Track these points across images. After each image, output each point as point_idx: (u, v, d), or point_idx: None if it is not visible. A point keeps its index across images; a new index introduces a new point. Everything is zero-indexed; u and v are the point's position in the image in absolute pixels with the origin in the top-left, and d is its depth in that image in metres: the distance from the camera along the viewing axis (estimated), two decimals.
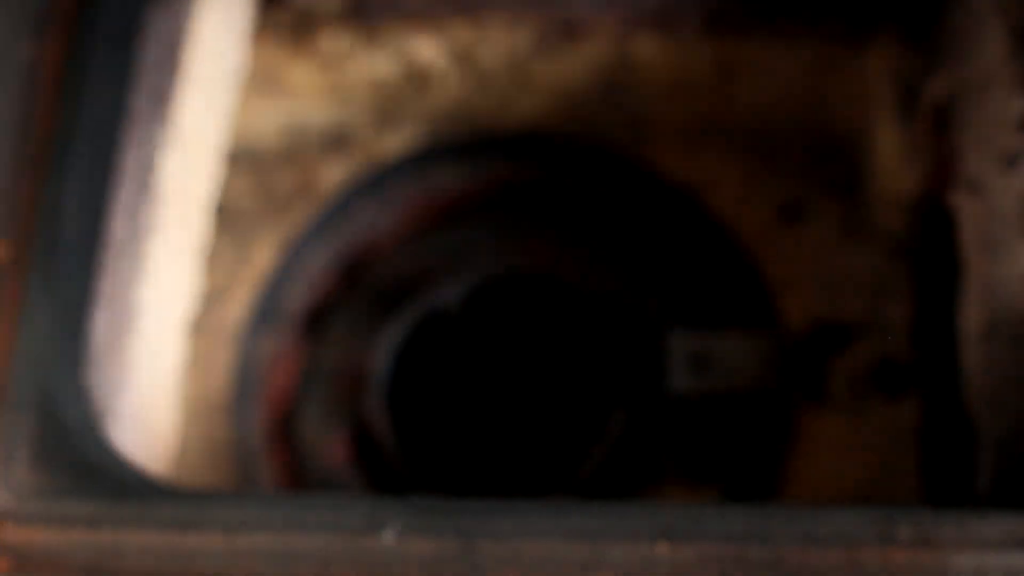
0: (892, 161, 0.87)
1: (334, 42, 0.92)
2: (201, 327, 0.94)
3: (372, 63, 0.93)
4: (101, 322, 0.63)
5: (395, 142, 0.98)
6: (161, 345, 0.67)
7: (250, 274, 0.96)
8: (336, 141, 0.99)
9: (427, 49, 0.92)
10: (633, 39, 0.92)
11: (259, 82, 0.94)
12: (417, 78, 0.95)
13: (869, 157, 0.92)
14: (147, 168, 0.66)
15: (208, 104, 0.70)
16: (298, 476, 0.96)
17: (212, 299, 0.95)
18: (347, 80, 0.95)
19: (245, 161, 0.98)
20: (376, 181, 0.99)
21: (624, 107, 1.01)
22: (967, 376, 0.69)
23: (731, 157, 0.95)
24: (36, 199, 0.65)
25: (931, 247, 0.82)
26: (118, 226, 0.64)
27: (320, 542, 0.57)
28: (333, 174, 0.98)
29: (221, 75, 0.72)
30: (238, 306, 0.95)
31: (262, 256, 0.96)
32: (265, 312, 0.98)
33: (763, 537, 0.56)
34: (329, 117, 0.98)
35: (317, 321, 0.99)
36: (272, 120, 0.98)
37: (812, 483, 0.86)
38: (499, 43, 0.92)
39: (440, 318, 0.89)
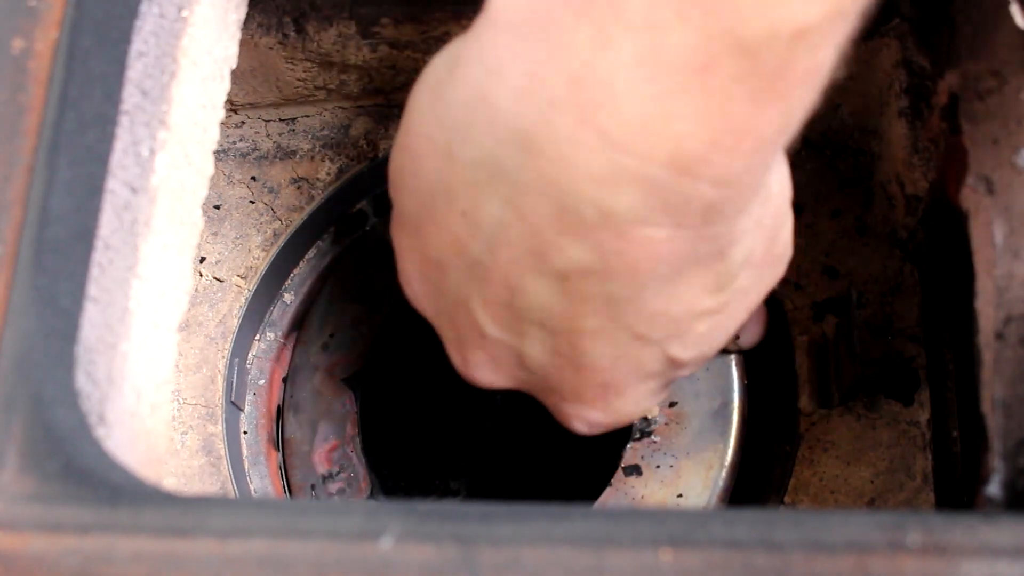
0: (902, 159, 0.86)
1: (329, 36, 0.91)
2: (195, 327, 0.94)
3: (369, 59, 0.93)
4: (92, 323, 0.62)
5: (391, 140, 0.98)
6: (154, 346, 0.66)
7: (244, 273, 0.96)
8: (332, 138, 0.98)
9: (424, 45, 0.92)
10: None
11: (253, 77, 0.94)
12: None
13: (878, 154, 0.92)
14: (139, 165, 0.65)
15: (202, 99, 0.69)
16: (290, 479, 0.95)
17: (206, 299, 0.95)
18: (343, 75, 0.95)
19: (239, 158, 0.98)
20: (373, 179, 0.99)
21: None
22: (978, 378, 0.68)
23: None
24: (25, 197, 0.64)
25: (942, 246, 0.82)
26: (110, 225, 0.64)
27: (316, 548, 0.57)
28: (330, 172, 0.98)
29: (215, 69, 0.71)
30: (233, 305, 0.95)
31: (257, 255, 0.96)
32: (260, 311, 0.98)
33: (770, 544, 0.56)
34: (323, 113, 0.98)
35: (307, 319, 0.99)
36: (266, 116, 0.98)
37: (819, 488, 0.85)
38: None
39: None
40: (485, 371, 0.73)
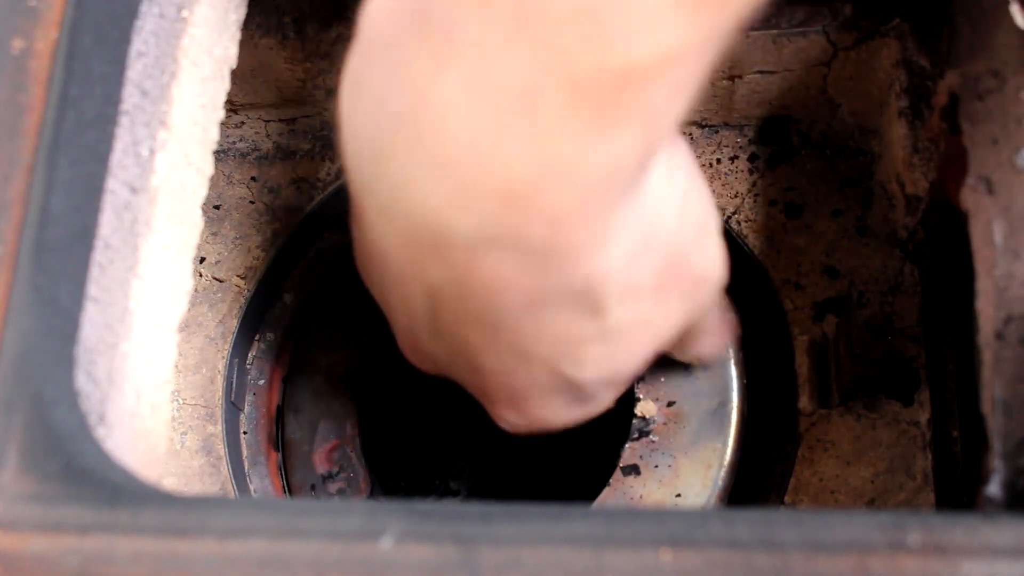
0: (902, 159, 0.87)
1: (329, 37, 0.92)
2: (195, 327, 0.94)
3: None
4: (93, 323, 0.62)
5: None
6: (154, 346, 0.66)
7: (244, 273, 0.96)
8: (332, 138, 0.98)
9: None
10: None
11: (253, 77, 0.94)
12: None
13: (879, 154, 0.92)
14: (139, 165, 0.65)
15: (202, 99, 0.69)
16: (290, 479, 0.95)
17: (206, 299, 0.95)
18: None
19: (239, 158, 0.98)
20: None
21: None
22: (978, 378, 0.68)
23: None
24: (26, 197, 0.64)
25: (942, 246, 0.82)
26: (110, 225, 0.64)
27: (316, 548, 0.57)
28: (330, 172, 0.98)
29: (215, 69, 0.71)
30: (232, 306, 0.95)
31: (257, 255, 0.96)
32: (260, 311, 0.97)
33: (770, 544, 0.56)
34: (323, 113, 0.98)
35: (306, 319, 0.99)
36: (266, 116, 0.98)
37: (819, 488, 0.85)
38: None
39: None
40: (418, 360, 0.75)
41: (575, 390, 0.72)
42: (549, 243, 0.59)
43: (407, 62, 0.57)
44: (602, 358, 0.69)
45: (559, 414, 0.75)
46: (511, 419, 0.75)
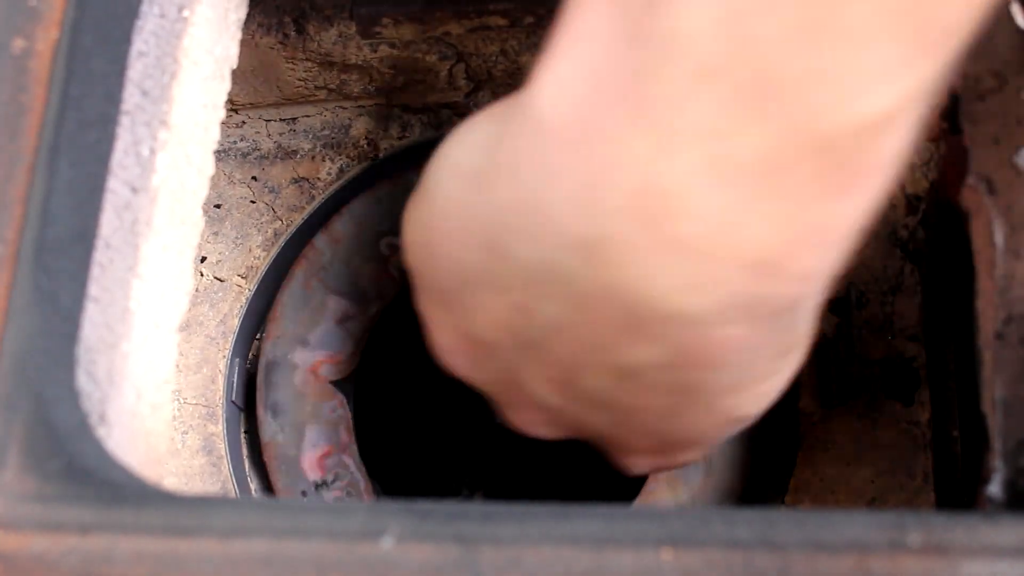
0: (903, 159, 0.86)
1: (330, 36, 0.92)
2: (196, 327, 0.94)
3: (369, 59, 0.93)
4: (93, 323, 0.62)
5: (392, 139, 0.98)
6: (155, 346, 0.66)
7: (245, 272, 0.96)
8: (332, 138, 0.98)
9: (424, 45, 0.92)
10: None
11: (253, 76, 0.94)
12: (414, 75, 0.95)
13: None
14: (140, 165, 0.65)
15: (202, 99, 0.69)
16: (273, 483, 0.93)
17: (207, 299, 0.95)
18: (343, 75, 0.95)
19: (240, 158, 0.98)
20: (373, 179, 0.99)
21: None
22: (978, 378, 0.68)
23: None
24: (26, 197, 0.64)
25: (942, 246, 0.82)
26: (110, 225, 0.64)
27: (317, 548, 0.57)
28: (330, 172, 0.98)
29: (215, 69, 0.71)
30: (233, 305, 0.95)
31: (257, 255, 0.96)
32: (260, 311, 0.97)
33: (770, 543, 0.55)
34: (324, 113, 0.98)
35: None
36: (266, 116, 0.98)
37: (819, 488, 0.85)
38: (495, 40, 0.92)
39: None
40: (541, 429, 0.72)
41: (737, 427, 0.71)
42: (793, 301, 0.58)
43: (623, 150, 0.53)
44: (770, 392, 0.68)
45: (704, 453, 0.74)
46: (657, 464, 0.74)
